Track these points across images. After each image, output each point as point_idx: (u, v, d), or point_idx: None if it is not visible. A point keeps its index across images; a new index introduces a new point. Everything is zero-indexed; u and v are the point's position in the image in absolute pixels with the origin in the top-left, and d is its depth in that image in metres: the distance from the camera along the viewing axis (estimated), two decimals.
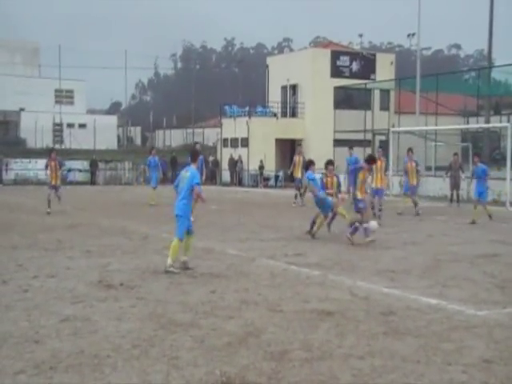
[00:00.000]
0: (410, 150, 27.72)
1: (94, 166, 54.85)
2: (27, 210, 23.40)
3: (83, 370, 7.27)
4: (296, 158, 32.05)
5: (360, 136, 47.61)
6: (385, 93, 54.32)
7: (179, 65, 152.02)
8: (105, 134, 67.61)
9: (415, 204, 26.38)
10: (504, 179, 31.76)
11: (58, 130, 68.89)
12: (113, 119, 76.94)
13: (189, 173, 13.94)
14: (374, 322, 9.43)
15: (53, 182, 26.80)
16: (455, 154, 33.42)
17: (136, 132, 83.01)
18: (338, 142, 48.18)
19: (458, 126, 45.87)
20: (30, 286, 11.77)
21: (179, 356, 7.73)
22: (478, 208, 23.74)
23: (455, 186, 32.00)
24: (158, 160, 32.38)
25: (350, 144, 31.11)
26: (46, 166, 27.23)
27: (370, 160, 18.88)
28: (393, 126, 43.93)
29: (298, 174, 30.72)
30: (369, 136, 48.24)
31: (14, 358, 7.67)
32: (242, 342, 8.34)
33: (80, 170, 54.63)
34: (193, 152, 15.46)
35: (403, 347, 8.20)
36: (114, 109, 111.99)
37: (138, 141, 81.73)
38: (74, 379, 6.97)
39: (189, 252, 14.04)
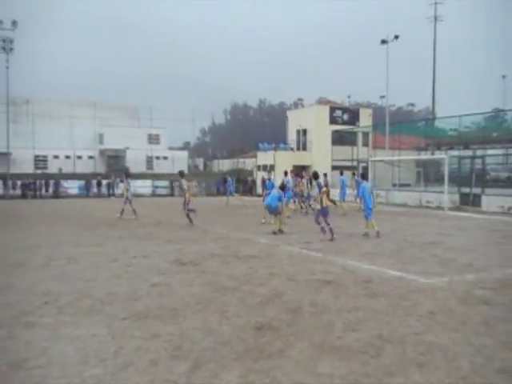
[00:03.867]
0: (286, 172, 25.84)
1: (172, 184, 55.22)
2: (129, 213, 23.60)
3: (165, 318, 7.35)
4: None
5: (349, 163, 47.52)
6: (365, 134, 54.01)
7: (228, 116, 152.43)
8: (179, 163, 68.01)
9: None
10: (443, 192, 31.61)
11: (149, 160, 69.51)
12: (185, 153, 77.18)
13: (369, 184, 17.87)
14: (358, 287, 9.41)
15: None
16: (325, 175, 32.62)
17: (200, 161, 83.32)
18: (334, 168, 48.31)
19: (413, 157, 45.77)
20: (131, 263, 11.90)
21: (228, 310, 7.78)
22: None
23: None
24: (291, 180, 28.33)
25: (341, 169, 30.86)
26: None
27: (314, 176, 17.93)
28: (371, 157, 43.71)
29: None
30: (355, 163, 48.14)
31: (121, 310, 7.77)
32: (269, 301, 8.36)
33: (164, 187, 54.94)
34: (364, 172, 18.85)
35: (377, 304, 8.18)
36: (185, 146, 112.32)
37: (201, 167, 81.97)
38: (159, 324, 7.05)
39: (370, 228, 17.30)
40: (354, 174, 32.59)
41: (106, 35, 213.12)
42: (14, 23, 49.04)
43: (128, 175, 26.37)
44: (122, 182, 25.53)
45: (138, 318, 7.35)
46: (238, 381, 5.22)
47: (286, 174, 25.23)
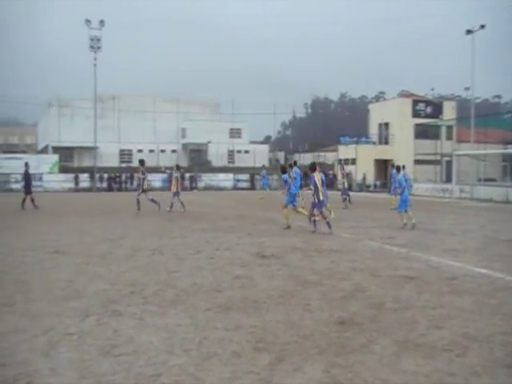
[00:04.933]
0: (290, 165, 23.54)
1: (252, 177, 55.70)
2: (212, 206, 23.96)
3: (248, 310, 7.42)
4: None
5: (432, 157, 46.39)
6: (449, 128, 52.53)
7: (309, 110, 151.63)
8: (260, 156, 68.59)
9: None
10: None
11: (231, 154, 70.51)
12: (266, 147, 77.73)
13: (407, 177, 17.95)
14: (442, 284, 9.16)
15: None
16: (343, 169, 31.76)
17: (280, 155, 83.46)
18: (416, 162, 47.38)
19: (499, 151, 44.17)
20: (214, 255, 12.09)
21: (310, 304, 7.76)
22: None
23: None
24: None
25: (392, 164, 29.75)
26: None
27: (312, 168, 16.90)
28: (455, 151, 42.42)
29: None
30: (438, 157, 46.90)
31: (204, 301, 7.92)
32: (352, 296, 8.29)
33: (245, 180, 55.54)
34: (398, 167, 19.48)
35: (462, 302, 7.94)
36: (266, 140, 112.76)
37: (282, 161, 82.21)
38: (242, 316, 7.13)
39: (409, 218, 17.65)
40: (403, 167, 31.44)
41: (189, 33, 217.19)
42: (102, 22, 50.98)
43: (143, 164, 23.88)
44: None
45: (221, 309, 7.46)
46: (321, 375, 5.20)
47: (290, 166, 22.71)
